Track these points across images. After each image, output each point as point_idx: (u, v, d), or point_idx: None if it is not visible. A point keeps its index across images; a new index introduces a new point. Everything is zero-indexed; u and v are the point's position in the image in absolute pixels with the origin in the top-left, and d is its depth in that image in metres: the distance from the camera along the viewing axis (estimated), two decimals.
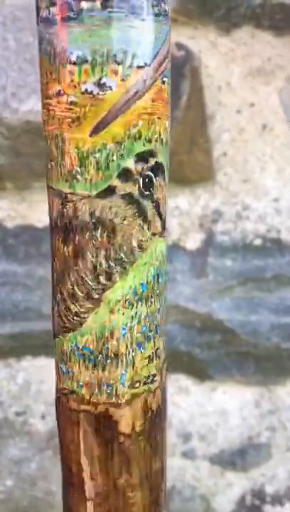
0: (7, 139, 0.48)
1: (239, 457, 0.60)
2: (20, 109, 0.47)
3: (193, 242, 0.55)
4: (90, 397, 0.20)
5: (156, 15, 0.17)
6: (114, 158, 0.18)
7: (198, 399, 0.59)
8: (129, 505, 0.20)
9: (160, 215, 0.19)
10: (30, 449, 0.57)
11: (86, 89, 0.17)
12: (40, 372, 0.57)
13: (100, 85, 0.18)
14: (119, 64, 0.17)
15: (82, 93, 0.17)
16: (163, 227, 0.20)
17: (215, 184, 0.53)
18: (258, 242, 0.55)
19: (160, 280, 0.20)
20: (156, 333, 0.20)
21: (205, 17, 0.49)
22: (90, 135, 0.18)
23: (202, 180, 0.53)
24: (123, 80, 0.18)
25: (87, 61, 0.17)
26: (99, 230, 0.19)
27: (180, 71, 0.49)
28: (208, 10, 0.48)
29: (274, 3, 0.49)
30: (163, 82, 0.18)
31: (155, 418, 0.20)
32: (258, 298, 0.55)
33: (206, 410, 0.59)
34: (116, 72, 0.18)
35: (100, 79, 0.17)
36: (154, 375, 0.20)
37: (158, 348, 0.20)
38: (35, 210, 0.53)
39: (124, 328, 0.20)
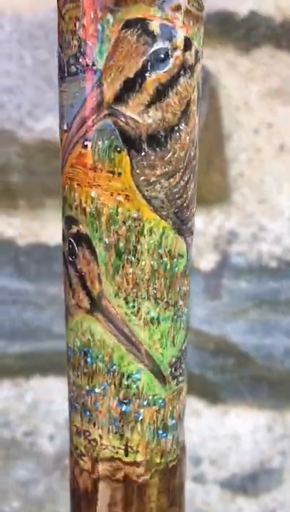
0: (22, 158, 0.48)
1: (250, 482, 0.59)
2: (35, 127, 0.47)
3: (207, 263, 0.54)
4: None
5: (74, 73, 0.16)
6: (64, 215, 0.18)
7: (210, 422, 0.58)
8: None
9: (87, 290, 0.18)
10: (38, 471, 0.56)
11: None
12: (49, 392, 0.56)
13: None
14: (60, 128, 0.18)
15: None
16: (95, 307, 0.18)
17: (230, 204, 0.53)
18: (273, 263, 0.54)
19: (87, 360, 0.18)
20: (83, 412, 0.19)
21: (224, 37, 0.48)
22: None
23: (218, 201, 0.52)
24: (61, 143, 0.18)
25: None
26: None
27: None
28: (227, 30, 0.48)
29: None
30: (85, 146, 0.17)
31: (81, 498, 0.19)
32: (273, 321, 0.54)
33: (218, 434, 0.58)
34: (60, 136, 0.18)
35: None
36: (82, 454, 0.19)
37: (87, 432, 0.19)
38: (47, 229, 0.52)
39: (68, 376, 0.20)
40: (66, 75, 0.17)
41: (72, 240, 0.18)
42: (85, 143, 0.17)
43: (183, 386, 0.19)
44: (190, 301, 0.54)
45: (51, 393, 0.56)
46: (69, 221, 0.18)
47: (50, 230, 0.52)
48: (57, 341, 0.54)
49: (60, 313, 0.54)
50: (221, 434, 0.58)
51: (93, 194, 0.17)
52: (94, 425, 0.19)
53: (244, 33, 0.48)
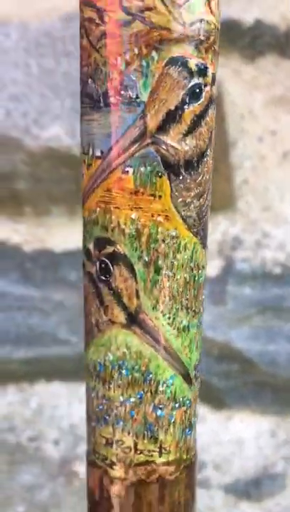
0: (28, 165, 0.49)
1: (253, 487, 0.60)
2: (41, 135, 0.47)
3: (212, 269, 0.54)
4: None
5: (114, 104, 0.18)
6: (86, 236, 0.20)
7: (214, 427, 0.58)
8: None
9: (123, 306, 0.19)
10: (43, 476, 0.57)
11: None
12: (53, 398, 0.57)
13: (82, 174, 0.19)
14: (85, 154, 0.19)
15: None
16: (133, 321, 0.19)
17: (235, 211, 0.53)
18: (278, 270, 0.54)
19: (122, 372, 0.20)
20: (116, 423, 0.20)
21: (229, 45, 0.49)
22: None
23: (222, 207, 0.53)
24: (88, 168, 0.19)
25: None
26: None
27: None
28: (232, 38, 0.48)
29: None
30: (126, 172, 0.18)
31: (112, 505, 0.21)
32: (276, 327, 0.55)
33: (222, 439, 0.59)
34: (84, 161, 0.19)
35: (81, 169, 0.19)
36: (113, 463, 0.21)
37: (120, 441, 0.20)
38: (53, 235, 0.53)
39: (89, 391, 0.21)
40: (102, 105, 0.18)
41: (106, 260, 0.19)
42: (126, 169, 0.18)
43: (198, 387, 0.22)
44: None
45: (56, 398, 0.57)
46: (102, 242, 0.19)
47: (55, 237, 0.53)
48: (62, 347, 0.54)
49: (65, 319, 0.54)
50: (225, 439, 0.59)
51: (133, 216, 0.19)
52: (129, 433, 0.20)
53: (249, 41, 0.49)
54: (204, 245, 0.20)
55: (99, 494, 0.21)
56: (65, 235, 0.53)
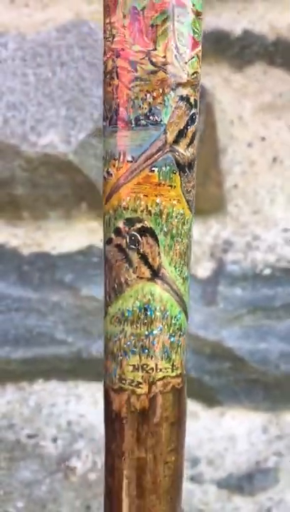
0: (25, 171, 0.50)
1: (246, 482, 0.61)
2: (38, 142, 0.48)
3: (204, 270, 0.56)
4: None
5: (144, 125, 0.26)
6: (112, 219, 0.27)
7: (207, 424, 0.59)
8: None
9: (148, 265, 0.27)
10: (41, 472, 0.58)
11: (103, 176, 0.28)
12: (51, 396, 0.58)
13: (108, 173, 0.27)
14: (115, 159, 0.27)
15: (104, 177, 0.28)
16: (156, 275, 0.27)
17: (226, 215, 0.55)
18: (267, 271, 0.56)
19: (148, 313, 0.27)
20: (142, 352, 0.28)
21: (219, 54, 0.50)
22: (104, 203, 0.27)
23: (214, 211, 0.54)
24: (118, 169, 0.27)
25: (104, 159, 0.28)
26: (105, 265, 0.28)
27: None
28: (222, 48, 0.50)
29: (288, 41, 0.50)
30: (152, 171, 0.26)
31: (138, 417, 0.28)
32: (267, 326, 0.56)
33: (214, 435, 0.60)
34: (114, 165, 0.27)
35: (108, 170, 0.27)
36: (139, 383, 0.28)
37: (145, 365, 0.28)
38: (50, 238, 0.54)
39: (115, 336, 0.28)
40: (133, 125, 0.26)
41: (136, 233, 0.27)
42: (152, 168, 0.26)
43: None
44: (188, 308, 0.56)
45: (54, 397, 0.58)
46: (132, 221, 0.27)
47: (52, 240, 0.54)
48: (59, 347, 0.55)
49: (62, 319, 0.55)
50: (218, 435, 0.60)
51: (158, 200, 0.27)
52: (152, 358, 0.28)
53: (238, 51, 0.50)
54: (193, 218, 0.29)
55: (126, 411, 0.28)
56: (62, 238, 0.54)
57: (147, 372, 0.28)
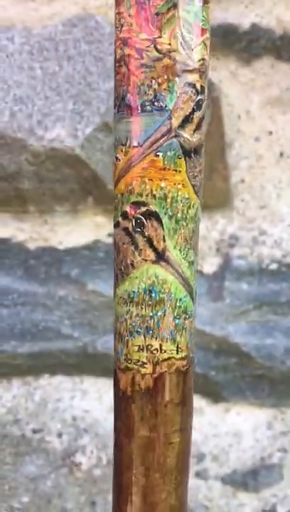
0: (32, 165, 0.50)
1: (251, 478, 0.61)
2: (45, 136, 0.48)
3: (210, 265, 0.56)
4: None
5: (149, 111, 0.27)
6: (120, 203, 0.28)
7: (212, 420, 0.59)
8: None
9: (153, 248, 0.27)
10: (46, 467, 0.58)
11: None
12: (57, 391, 0.58)
13: (116, 158, 0.28)
14: (122, 145, 0.27)
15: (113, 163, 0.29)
16: (161, 258, 0.28)
17: (232, 210, 0.54)
18: (274, 266, 0.55)
19: (152, 295, 0.28)
20: (146, 332, 0.28)
21: (227, 48, 0.50)
22: (114, 188, 0.28)
23: (220, 206, 0.54)
24: (125, 154, 0.27)
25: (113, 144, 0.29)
26: (114, 248, 0.29)
27: None
28: (230, 42, 0.49)
29: None
30: (157, 155, 0.27)
31: (143, 396, 0.29)
32: (273, 321, 0.56)
33: (220, 431, 0.60)
34: (122, 150, 0.27)
35: (116, 155, 0.28)
36: (144, 363, 0.28)
37: (150, 345, 0.28)
38: (56, 233, 0.54)
39: (121, 317, 0.29)
40: (139, 111, 0.27)
41: (141, 216, 0.27)
42: (157, 153, 0.27)
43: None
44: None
45: (59, 392, 0.58)
46: (138, 205, 0.27)
47: (59, 234, 0.54)
48: (65, 341, 0.55)
49: (68, 314, 0.55)
50: (223, 431, 0.60)
51: (163, 185, 0.27)
52: (156, 339, 0.28)
53: (246, 44, 0.50)
54: (201, 204, 0.29)
55: (131, 389, 0.29)
56: (68, 232, 0.54)
57: (152, 352, 0.28)
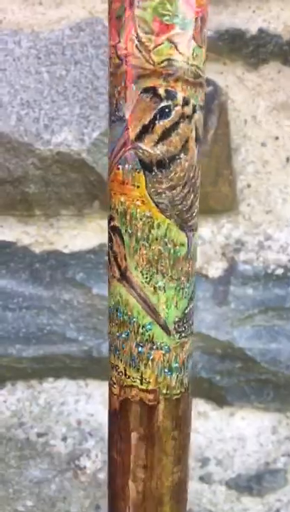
0: (39, 169, 0.50)
1: (255, 482, 0.61)
2: (52, 140, 0.48)
3: (215, 270, 0.56)
4: None
5: (113, 122, 0.25)
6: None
7: (217, 424, 0.59)
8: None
9: (118, 265, 0.26)
10: (51, 470, 0.58)
11: None
12: (61, 394, 0.58)
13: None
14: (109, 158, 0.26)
15: None
16: (123, 277, 0.26)
17: (238, 214, 0.54)
18: (279, 271, 0.55)
19: (118, 314, 0.27)
20: (115, 352, 0.27)
21: (234, 53, 0.50)
22: None
23: (225, 211, 0.54)
24: (108, 168, 0.26)
25: None
26: None
27: (209, 106, 0.50)
28: (237, 47, 0.49)
29: None
30: (118, 169, 0.25)
31: (112, 416, 0.27)
32: (278, 326, 0.56)
33: (224, 435, 0.60)
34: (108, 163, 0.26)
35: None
36: (114, 382, 0.27)
37: (117, 366, 0.27)
38: (62, 236, 0.54)
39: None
40: (112, 121, 0.25)
41: (110, 231, 0.26)
42: (118, 166, 0.25)
43: (186, 340, 0.27)
44: (199, 308, 0.55)
45: (64, 395, 0.58)
46: (110, 218, 0.26)
47: (64, 238, 0.54)
48: (70, 345, 0.55)
49: (73, 318, 0.55)
50: (227, 435, 0.60)
51: (122, 199, 0.25)
52: (121, 361, 0.27)
53: (253, 50, 0.50)
54: (182, 228, 0.25)
55: (109, 407, 0.28)
56: (74, 236, 0.54)
57: (118, 374, 0.27)
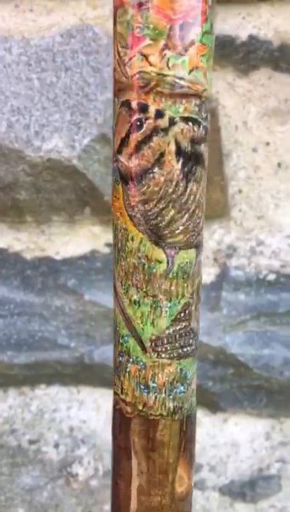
0: (30, 176, 0.50)
1: (248, 488, 0.61)
2: (42, 147, 0.48)
3: (207, 276, 0.56)
4: None
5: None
6: None
7: (210, 430, 0.59)
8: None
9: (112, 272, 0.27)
10: (43, 478, 0.58)
11: None
12: (53, 401, 0.58)
13: None
14: None
15: None
16: (113, 286, 0.26)
17: (229, 220, 0.54)
18: (272, 277, 0.55)
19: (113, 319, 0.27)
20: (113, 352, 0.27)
21: (224, 60, 0.50)
22: None
23: (217, 216, 0.54)
24: None
25: None
26: None
27: None
28: (227, 53, 0.49)
29: None
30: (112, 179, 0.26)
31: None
32: (271, 332, 0.56)
33: (217, 441, 0.59)
34: None
35: None
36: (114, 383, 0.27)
37: (112, 369, 0.27)
38: (53, 243, 0.54)
39: None
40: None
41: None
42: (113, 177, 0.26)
43: (168, 362, 0.26)
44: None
45: (56, 402, 0.58)
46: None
47: (56, 245, 0.54)
48: (61, 352, 0.55)
49: (65, 324, 0.55)
50: (220, 441, 0.59)
51: (112, 209, 0.26)
52: (113, 366, 0.27)
53: (243, 56, 0.50)
54: (158, 244, 0.25)
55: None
56: (65, 243, 0.54)
57: (111, 381, 0.28)
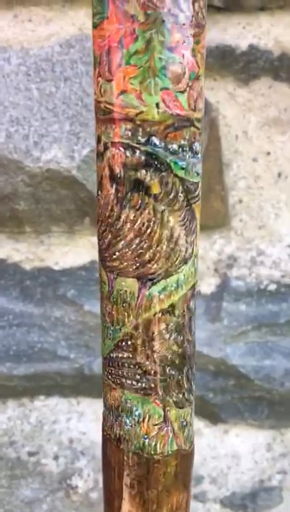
0: (29, 186, 0.49)
1: (250, 500, 0.60)
2: (42, 157, 0.48)
3: (208, 286, 0.55)
4: None
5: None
6: None
7: (210, 442, 0.59)
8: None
9: None
10: (42, 490, 0.57)
11: None
12: (53, 413, 0.57)
13: None
14: None
15: None
16: None
17: (230, 230, 0.54)
18: (272, 287, 0.55)
19: None
20: None
21: (224, 69, 0.50)
22: None
23: (218, 226, 0.54)
24: None
25: None
26: None
27: None
28: (227, 63, 0.49)
29: None
30: None
31: None
32: (272, 343, 0.55)
33: (218, 453, 0.59)
34: None
35: None
36: None
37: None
38: (53, 253, 0.54)
39: None
40: None
41: None
42: None
43: (114, 386, 0.26)
44: None
45: (55, 413, 0.57)
46: None
47: (55, 255, 0.54)
48: (61, 363, 0.55)
49: (64, 335, 0.55)
50: (221, 453, 0.59)
51: None
52: None
53: (244, 65, 0.50)
54: (102, 265, 0.26)
55: None
56: (65, 253, 0.54)
57: None
